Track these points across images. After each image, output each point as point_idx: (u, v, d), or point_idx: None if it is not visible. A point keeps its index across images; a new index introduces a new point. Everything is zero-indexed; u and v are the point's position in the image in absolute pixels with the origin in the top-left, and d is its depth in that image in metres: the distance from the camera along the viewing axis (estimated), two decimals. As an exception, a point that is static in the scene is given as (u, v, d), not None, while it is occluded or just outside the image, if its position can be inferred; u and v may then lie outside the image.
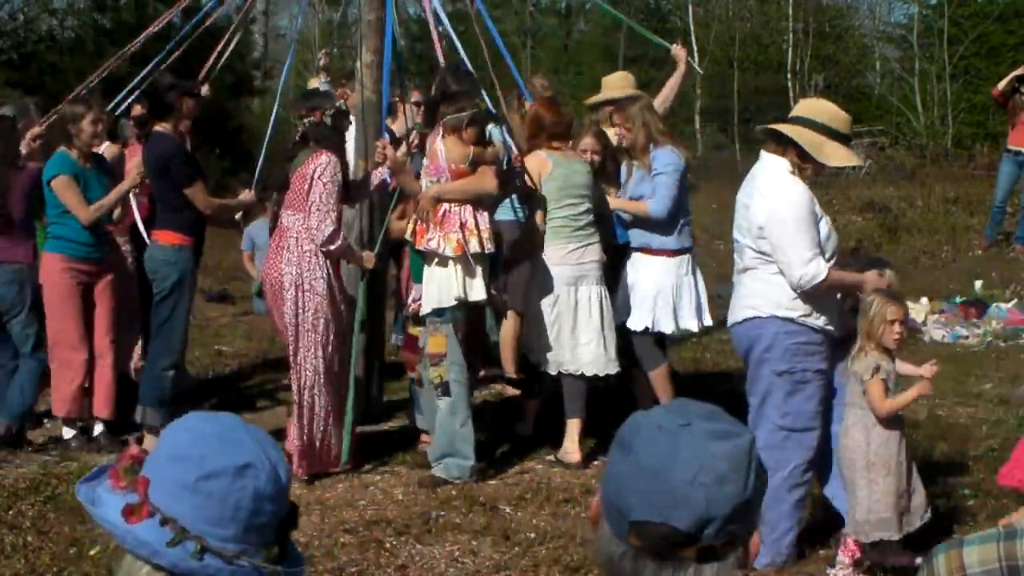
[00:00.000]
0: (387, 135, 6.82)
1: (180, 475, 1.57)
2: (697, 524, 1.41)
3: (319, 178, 5.86)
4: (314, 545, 5.08)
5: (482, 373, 7.15)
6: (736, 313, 4.90)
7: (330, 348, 5.94)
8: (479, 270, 5.79)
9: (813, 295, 4.69)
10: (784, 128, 4.70)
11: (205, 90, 7.43)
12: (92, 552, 4.93)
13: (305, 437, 5.97)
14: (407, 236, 5.98)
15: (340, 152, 6.10)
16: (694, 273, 6.39)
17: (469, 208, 5.79)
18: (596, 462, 6.19)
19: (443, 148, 5.85)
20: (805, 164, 4.69)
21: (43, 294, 6.47)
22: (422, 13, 8.12)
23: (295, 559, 1.66)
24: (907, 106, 25.08)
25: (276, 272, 5.92)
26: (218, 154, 17.93)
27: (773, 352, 4.76)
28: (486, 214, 5.85)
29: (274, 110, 7.86)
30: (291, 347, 5.96)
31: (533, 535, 5.20)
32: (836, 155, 4.72)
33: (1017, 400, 7.34)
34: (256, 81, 23.59)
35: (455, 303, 5.77)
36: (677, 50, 7.66)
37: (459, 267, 5.75)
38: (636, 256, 6.36)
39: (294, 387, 5.99)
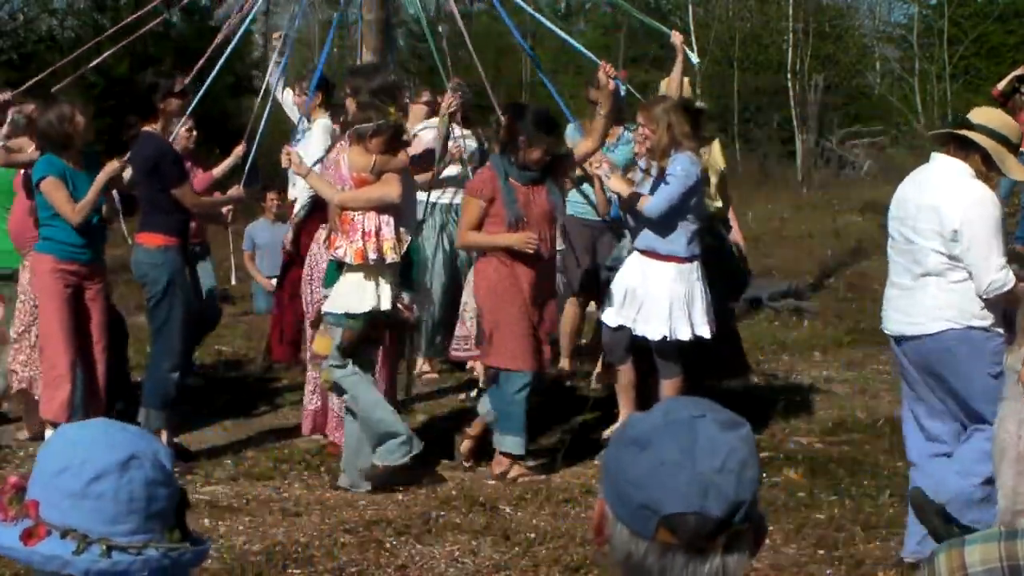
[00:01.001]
0: None
1: (68, 485, 1.62)
2: (729, 510, 1.45)
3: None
4: (314, 545, 5.08)
5: (567, 367, 7.36)
6: (925, 324, 4.72)
7: None
8: (384, 279, 5.79)
9: (993, 303, 4.64)
10: (972, 135, 4.68)
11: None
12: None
13: (318, 401, 6.52)
14: (321, 243, 6.06)
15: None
16: (703, 279, 6.31)
17: (373, 216, 5.78)
18: (595, 461, 6.19)
19: (345, 158, 5.90)
20: (991, 172, 4.72)
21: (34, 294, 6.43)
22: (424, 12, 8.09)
23: (197, 539, 1.71)
24: (907, 106, 25.08)
25: None
26: (218, 154, 17.93)
27: (983, 359, 4.64)
28: (392, 221, 5.80)
29: (266, 109, 7.80)
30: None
31: (533, 535, 5.19)
32: (1016, 169, 4.81)
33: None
34: (256, 81, 23.58)
35: (366, 311, 5.76)
36: (676, 36, 7.64)
37: (368, 276, 5.76)
38: (644, 261, 6.19)
39: (308, 355, 6.56)
